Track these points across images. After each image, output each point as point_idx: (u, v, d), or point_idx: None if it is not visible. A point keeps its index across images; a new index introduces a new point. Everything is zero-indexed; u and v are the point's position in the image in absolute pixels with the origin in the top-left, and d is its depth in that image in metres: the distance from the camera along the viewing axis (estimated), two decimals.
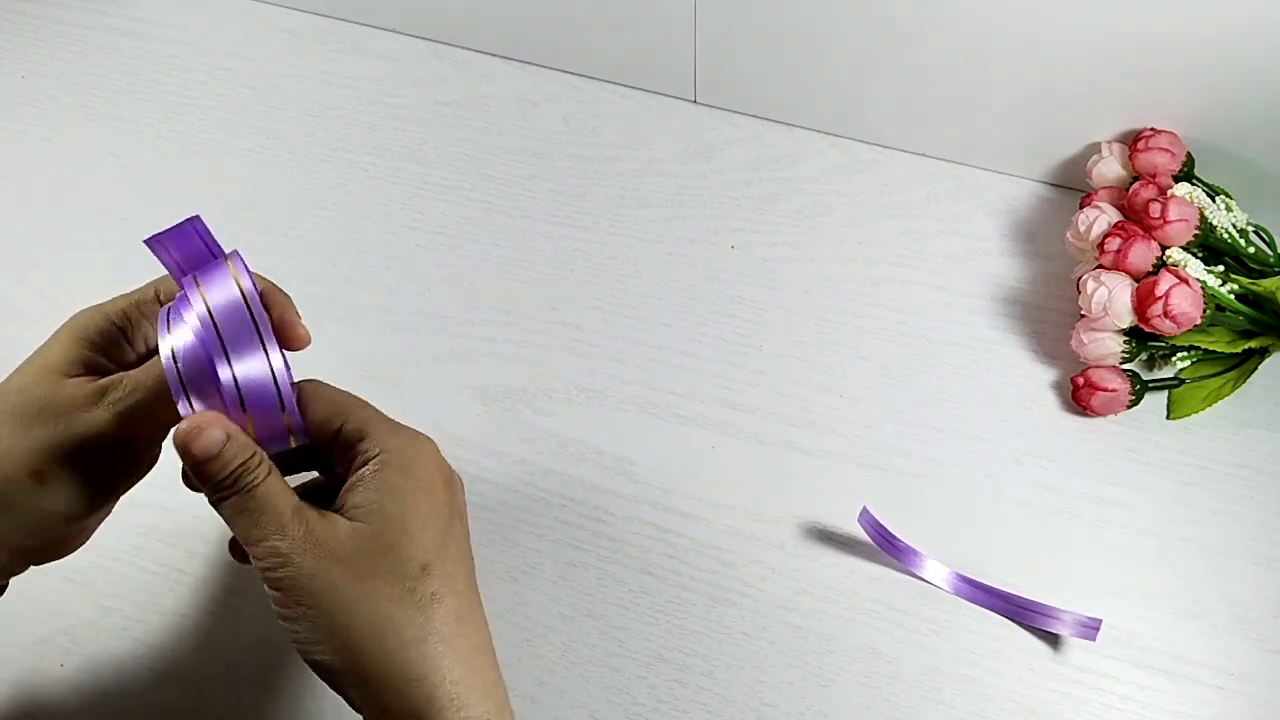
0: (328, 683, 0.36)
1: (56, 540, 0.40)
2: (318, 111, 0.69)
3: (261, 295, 0.37)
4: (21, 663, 0.49)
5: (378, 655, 0.34)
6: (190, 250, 0.37)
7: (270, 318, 0.37)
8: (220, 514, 0.36)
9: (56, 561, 0.41)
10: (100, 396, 0.37)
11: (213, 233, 0.37)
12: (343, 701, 0.36)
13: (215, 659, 0.49)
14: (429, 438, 0.39)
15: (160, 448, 0.41)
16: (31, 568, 0.40)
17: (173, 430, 0.36)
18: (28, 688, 0.49)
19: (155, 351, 0.40)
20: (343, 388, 0.40)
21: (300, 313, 0.40)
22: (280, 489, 0.36)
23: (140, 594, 0.51)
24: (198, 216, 0.37)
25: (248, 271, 0.37)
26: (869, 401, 0.56)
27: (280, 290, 0.40)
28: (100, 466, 0.38)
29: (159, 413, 0.37)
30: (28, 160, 0.67)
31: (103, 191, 0.66)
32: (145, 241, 0.36)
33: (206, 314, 0.35)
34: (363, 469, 0.37)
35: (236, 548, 0.42)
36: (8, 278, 0.62)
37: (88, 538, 0.42)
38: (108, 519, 0.42)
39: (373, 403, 0.40)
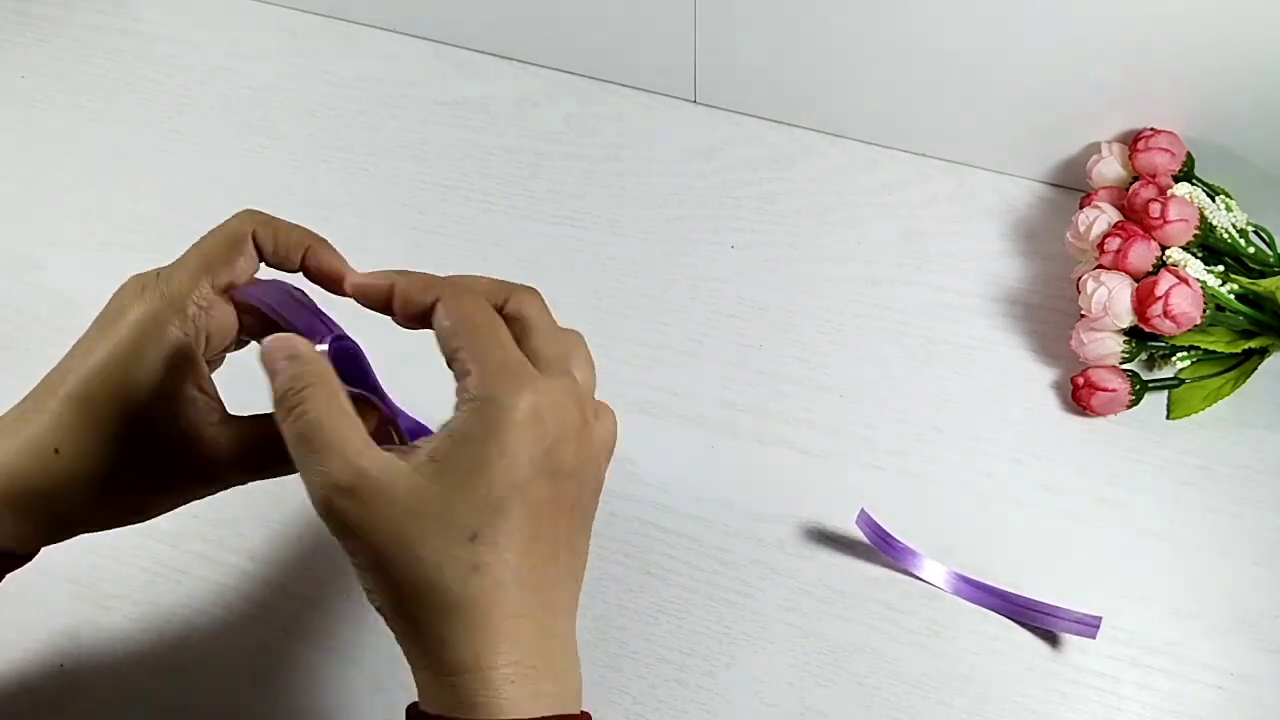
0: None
1: (73, 499, 0.37)
2: (318, 111, 0.69)
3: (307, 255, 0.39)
4: (22, 663, 0.49)
5: (419, 617, 0.33)
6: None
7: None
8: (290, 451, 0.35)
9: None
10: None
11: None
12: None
13: (215, 659, 0.49)
14: (549, 382, 0.36)
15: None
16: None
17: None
18: (28, 687, 0.49)
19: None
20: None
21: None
22: (340, 419, 0.34)
23: (140, 594, 0.51)
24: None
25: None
26: (869, 401, 0.56)
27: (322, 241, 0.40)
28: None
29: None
30: (28, 160, 0.67)
31: (103, 191, 0.66)
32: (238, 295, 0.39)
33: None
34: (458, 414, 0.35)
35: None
36: (8, 278, 0.62)
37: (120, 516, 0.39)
38: None
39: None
